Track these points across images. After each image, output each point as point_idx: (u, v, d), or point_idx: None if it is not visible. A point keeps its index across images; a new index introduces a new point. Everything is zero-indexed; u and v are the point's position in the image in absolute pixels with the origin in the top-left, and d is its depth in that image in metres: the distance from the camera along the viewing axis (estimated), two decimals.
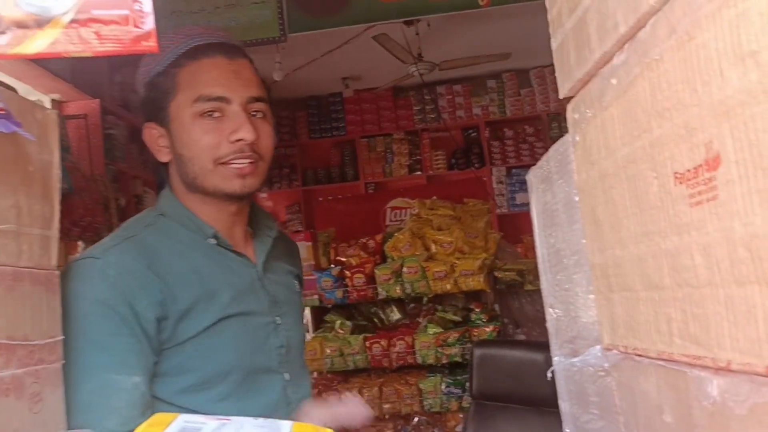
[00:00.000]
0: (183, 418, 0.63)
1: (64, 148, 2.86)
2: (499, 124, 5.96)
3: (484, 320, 3.35)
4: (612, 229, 0.59)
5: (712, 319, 0.42)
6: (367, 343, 3.42)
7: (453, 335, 3.32)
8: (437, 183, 5.92)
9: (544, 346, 0.94)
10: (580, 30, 0.63)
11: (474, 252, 3.40)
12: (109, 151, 3.52)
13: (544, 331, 0.91)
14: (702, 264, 0.43)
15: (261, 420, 0.65)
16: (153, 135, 1.06)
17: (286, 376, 1.07)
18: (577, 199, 0.70)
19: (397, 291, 3.40)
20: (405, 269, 3.37)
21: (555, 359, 0.87)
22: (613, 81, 0.56)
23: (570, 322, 0.79)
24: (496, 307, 3.48)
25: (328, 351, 3.46)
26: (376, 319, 3.73)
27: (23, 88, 2.90)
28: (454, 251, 3.42)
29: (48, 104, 3.15)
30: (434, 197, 4.05)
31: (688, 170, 0.43)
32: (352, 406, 1.03)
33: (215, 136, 1.01)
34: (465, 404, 3.25)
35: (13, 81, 2.80)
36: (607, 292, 0.63)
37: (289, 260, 1.22)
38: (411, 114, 6.05)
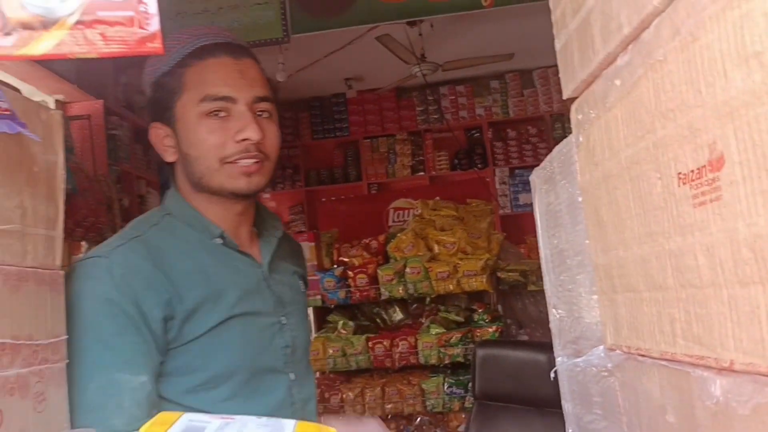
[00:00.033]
0: (187, 417, 0.63)
1: (68, 149, 2.86)
2: (502, 125, 5.95)
3: (487, 321, 3.35)
4: (615, 229, 0.59)
5: (715, 320, 0.42)
6: (370, 344, 3.42)
7: (456, 336, 3.32)
8: (440, 183, 5.92)
9: (546, 347, 0.94)
10: (584, 31, 0.63)
11: (477, 252, 3.40)
12: (112, 152, 3.53)
13: (547, 331, 0.91)
14: (705, 264, 0.43)
15: (264, 419, 0.66)
16: (159, 135, 1.06)
17: (292, 376, 1.08)
18: (580, 199, 0.70)
19: (399, 291, 3.40)
20: (408, 270, 3.37)
21: (558, 359, 0.87)
22: (617, 82, 0.56)
23: (573, 323, 0.79)
24: (499, 307, 3.48)
25: (331, 351, 3.46)
26: (378, 320, 3.74)
27: (27, 89, 2.91)
28: (457, 252, 3.42)
29: (52, 105, 3.16)
30: (437, 198, 4.06)
31: (692, 171, 0.43)
32: (372, 428, 1.04)
33: (221, 135, 1.01)
34: (467, 404, 3.25)
35: (18, 82, 2.80)
36: (610, 293, 0.63)
37: (294, 260, 1.22)
38: (414, 114, 6.05)
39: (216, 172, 1.02)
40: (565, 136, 0.74)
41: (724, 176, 0.39)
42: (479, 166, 5.80)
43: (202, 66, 1.03)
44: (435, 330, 3.37)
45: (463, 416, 3.30)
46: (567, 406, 0.86)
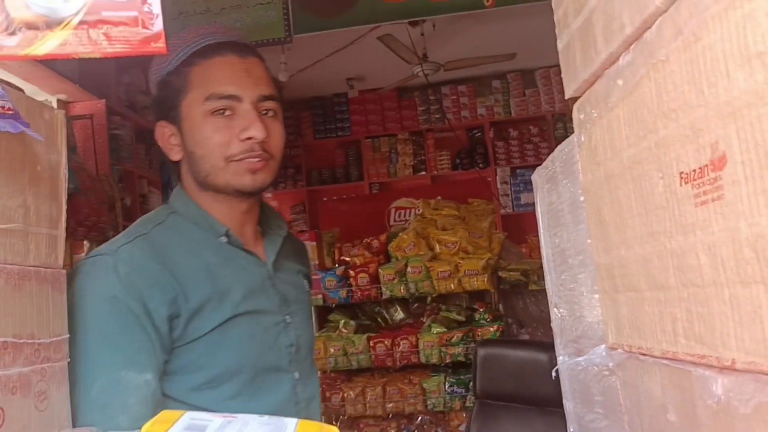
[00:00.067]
0: (189, 416, 0.63)
1: (70, 148, 2.87)
2: (503, 125, 5.95)
3: (488, 320, 3.36)
4: (617, 229, 0.59)
5: (717, 319, 0.43)
6: (371, 343, 3.43)
7: (457, 335, 3.32)
8: (441, 183, 5.92)
9: (547, 346, 0.94)
10: (586, 31, 0.63)
11: (478, 252, 3.40)
12: (114, 152, 3.54)
13: (549, 331, 0.91)
14: (707, 264, 0.43)
15: (266, 417, 0.66)
16: (164, 133, 1.06)
17: (296, 374, 1.08)
18: (582, 199, 0.70)
19: (401, 291, 3.40)
20: (409, 269, 3.37)
21: (559, 359, 0.87)
22: (619, 82, 0.56)
23: (575, 322, 0.79)
24: (500, 307, 3.48)
25: (332, 350, 3.46)
26: (379, 319, 3.74)
27: (30, 89, 2.91)
28: (458, 251, 3.42)
29: (55, 105, 3.17)
30: (438, 197, 4.06)
31: (694, 170, 0.43)
32: None
33: (226, 134, 1.01)
34: (468, 404, 3.26)
35: (21, 82, 2.81)
36: (612, 292, 0.63)
37: (298, 260, 1.22)
38: (415, 114, 6.05)
39: (221, 170, 1.02)
40: (567, 136, 0.74)
41: (726, 176, 0.39)
42: (481, 165, 5.80)
43: (207, 65, 1.03)
44: (436, 329, 3.37)
45: (464, 415, 3.30)
46: (568, 405, 0.86)
